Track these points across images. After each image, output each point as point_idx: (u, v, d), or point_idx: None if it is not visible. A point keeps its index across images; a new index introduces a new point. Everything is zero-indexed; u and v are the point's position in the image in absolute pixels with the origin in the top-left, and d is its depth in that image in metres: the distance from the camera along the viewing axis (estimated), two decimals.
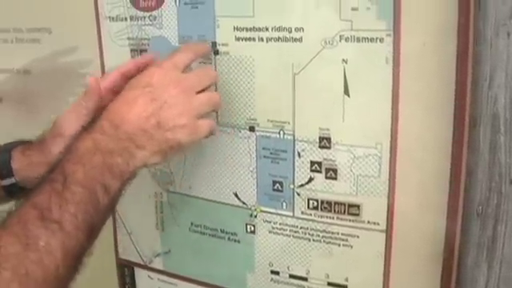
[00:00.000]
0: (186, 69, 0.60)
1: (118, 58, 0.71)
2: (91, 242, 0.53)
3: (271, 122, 0.63)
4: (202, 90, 0.59)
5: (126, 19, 0.70)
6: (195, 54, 0.62)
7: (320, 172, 0.61)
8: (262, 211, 0.66)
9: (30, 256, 0.47)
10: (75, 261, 0.51)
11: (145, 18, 0.69)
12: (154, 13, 0.68)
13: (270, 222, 0.66)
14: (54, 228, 0.49)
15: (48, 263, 0.48)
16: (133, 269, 0.81)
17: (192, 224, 0.73)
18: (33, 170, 0.62)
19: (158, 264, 0.78)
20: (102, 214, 0.53)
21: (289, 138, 0.62)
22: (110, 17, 0.72)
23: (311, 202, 0.63)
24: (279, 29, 0.60)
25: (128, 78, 0.60)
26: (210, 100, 0.59)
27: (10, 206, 0.51)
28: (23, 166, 0.64)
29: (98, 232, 0.54)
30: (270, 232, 0.67)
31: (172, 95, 0.56)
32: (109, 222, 0.79)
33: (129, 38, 0.71)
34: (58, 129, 0.62)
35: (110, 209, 0.56)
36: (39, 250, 0.48)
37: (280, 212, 0.65)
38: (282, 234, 0.66)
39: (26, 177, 0.63)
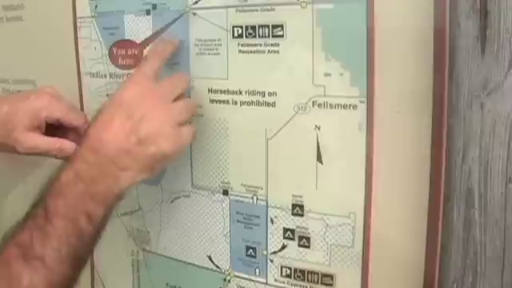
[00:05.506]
0: (158, 75, 0.58)
1: None
2: (78, 273, 0.53)
3: (244, 186, 0.61)
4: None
5: (105, 76, 0.70)
6: (163, 57, 0.60)
7: (293, 239, 0.59)
8: (235, 276, 0.64)
9: None
10: None
11: (123, 75, 0.68)
12: (132, 71, 0.67)
13: None
14: (36, 265, 0.49)
15: None
16: None
17: (167, 285, 0.71)
18: None
19: None
20: (86, 243, 0.53)
21: (262, 203, 0.60)
22: (90, 73, 0.72)
23: (284, 269, 0.60)
24: (253, 92, 0.59)
25: None
26: (188, 106, 0.58)
27: None
28: None
29: (85, 262, 0.54)
30: None
31: (148, 108, 0.54)
32: (87, 280, 0.78)
33: (108, 95, 0.70)
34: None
35: (96, 236, 0.54)
36: None
37: (253, 278, 0.63)
38: None
39: None
